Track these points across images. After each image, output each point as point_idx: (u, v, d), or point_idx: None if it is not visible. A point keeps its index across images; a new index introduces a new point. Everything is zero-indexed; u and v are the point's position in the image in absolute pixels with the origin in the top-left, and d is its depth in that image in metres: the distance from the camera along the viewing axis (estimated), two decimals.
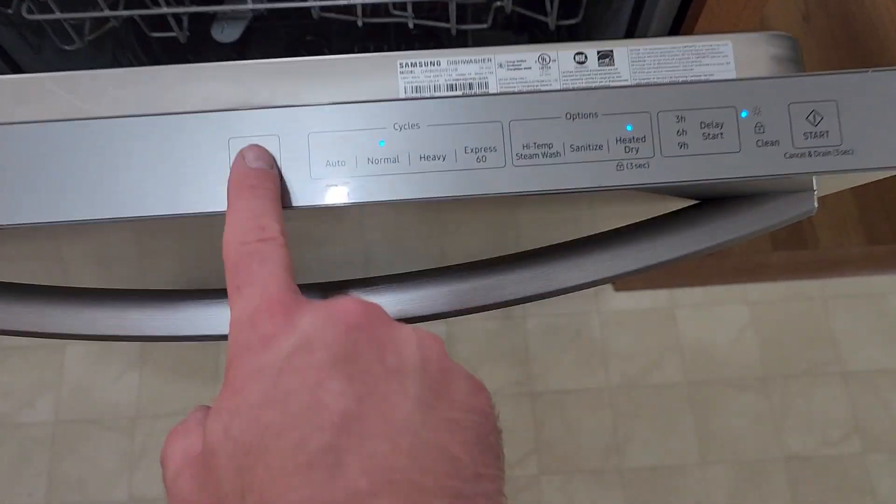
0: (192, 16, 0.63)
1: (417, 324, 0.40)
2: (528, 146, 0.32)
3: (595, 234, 0.39)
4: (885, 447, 1.04)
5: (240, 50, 0.75)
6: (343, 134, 0.31)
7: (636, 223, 0.39)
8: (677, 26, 0.60)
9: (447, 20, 0.66)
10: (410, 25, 0.64)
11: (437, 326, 1.07)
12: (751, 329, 1.10)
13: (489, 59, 0.34)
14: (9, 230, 0.31)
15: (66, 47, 0.64)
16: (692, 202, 0.39)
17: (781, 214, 0.38)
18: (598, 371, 1.07)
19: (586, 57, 0.34)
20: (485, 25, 0.66)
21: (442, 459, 0.22)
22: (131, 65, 0.83)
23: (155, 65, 0.84)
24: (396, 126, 0.31)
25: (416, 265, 0.41)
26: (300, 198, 0.31)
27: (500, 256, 0.39)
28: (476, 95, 0.32)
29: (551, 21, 0.65)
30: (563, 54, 0.34)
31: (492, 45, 0.90)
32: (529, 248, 0.39)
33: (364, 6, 0.63)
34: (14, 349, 1.06)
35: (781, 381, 1.07)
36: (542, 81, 0.34)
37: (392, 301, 0.38)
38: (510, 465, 1.02)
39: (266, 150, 0.31)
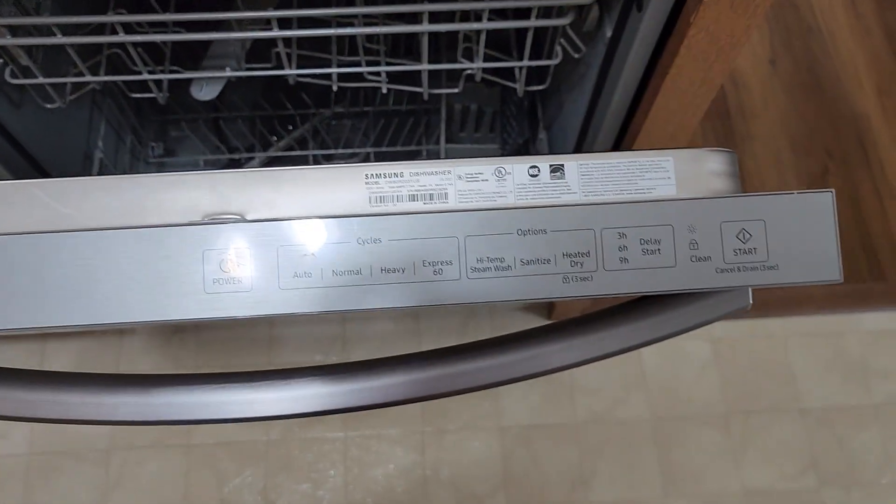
0: (171, 79, 0.65)
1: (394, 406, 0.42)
2: (481, 260, 0.34)
3: (545, 326, 0.42)
4: (839, 482, 1.08)
5: (214, 101, 0.77)
6: (309, 248, 0.34)
7: (584, 315, 0.42)
8: (641, 90, 0.64)
9: (420, 84, 0.69)
10: (384, 90, 0.67)
11: None
12: (713, 366, 1.14)
13: (449, 172, 0.36)
14: None
15: (48, 105, 0.66)
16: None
17: (719, 310, 0.40)
18: (566, 406, 1.10)
19: (539, 170, 0.37)
20: (456, 89, 0.69)
21: None
22: (111, 112, 0.85)
23: (135, 111, 0.86)
24: (360, 241, 0.34)
25: (392, 346, 0.43)
26: (268, 307, 0.33)
27: (444, 348, 0.42)
28: (435, 212, 0.34)
29: (519, 87, 0.68)
30: (517, 167, 0.37)
31: (465, 97, 0.92)
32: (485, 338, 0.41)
33: (339, 74, 0.65)
34: None
35: (742, 416, 1.11)
36: (498, 193, 0.37)
37: (370, 386, 0.40)
38: (479, 498, 1.05)
39: None
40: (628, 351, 0.41)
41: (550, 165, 0.37)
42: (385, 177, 0.37)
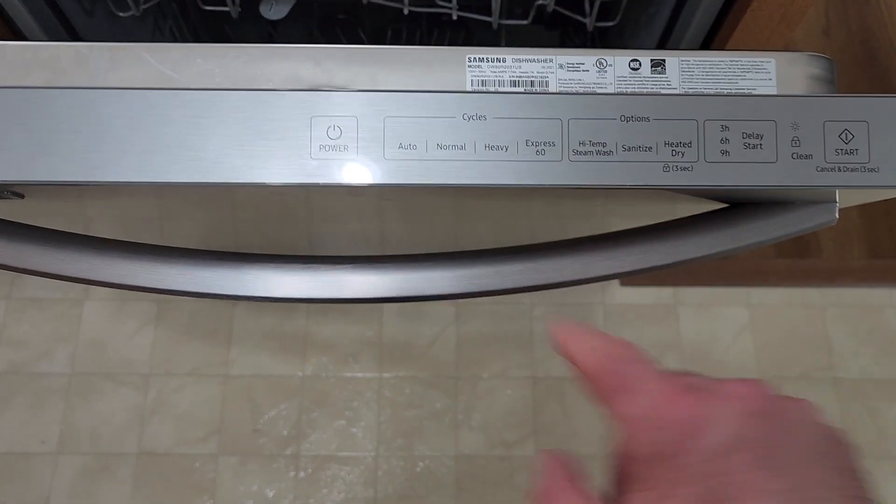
0: None
1: (440, 301, 0.42)
2: (584, 143, 0.34)
3: (627, 230, 0.42)
4: (869, 454, 1.08)
5: (274, 25, 0.77)
6: (416, 119, 0.34)
7: (667, 222, 0.42)
8: (710, 38, 0.63)
9: (488, 13, 0.69)
10: (454, 17, 0.67)
11: (447, 307, 1.10)
12: (749, 331, 1.13)
13: (550, 60, 0.37)
14: (109, 186, 0.34)
15: (121, 14, 0.67)
16: (720, 205, 0.42)
17: (804, 222, 0.41)
18: None
19: (640, 64, 0.37)
20: (525, 21, 0.69)
21: None
22: (171, 35, 0.86)
23: (194, 36, 0.86)
24: (465, 116, 0.34)
25: (431, 248, 0.44)
26: (374, 176, 0.34)
27: (535, 244, 0.42)
28: (539, 93, 0.34)
29: (590, 22, 0.67)
30: (619, 59, 0.37)
31: (525, 39, 0.92)
32: (560, 239, 0.42)
33: None
34: (33, 301, 1.09)
35: (775, 382, 1.10)
36: (598, 84, 0.37)
37: (415, 278, 0.41)
38: (509, 445, 1.06)
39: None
40: (714, 257, 0.41)
41: (652, 60, 0.37)
42: (488, 61, 0.37)
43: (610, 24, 0.71)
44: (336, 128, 0.34)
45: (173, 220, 0.65)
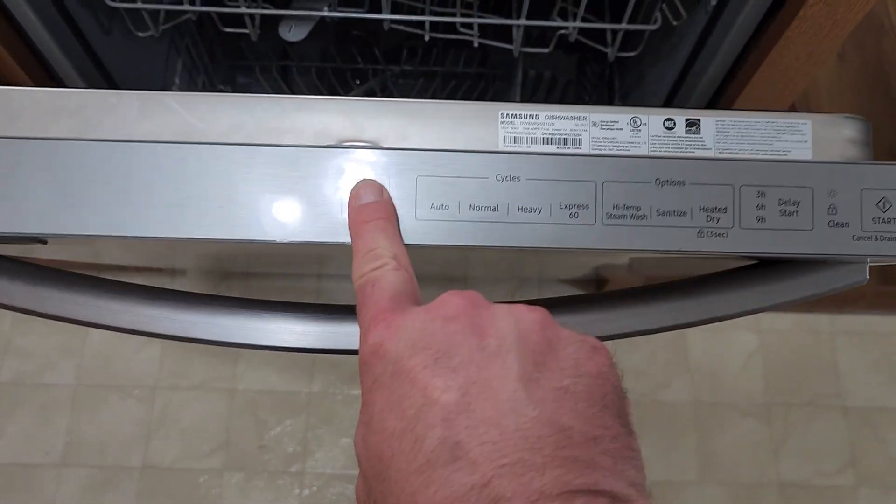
0: (264, 15, 0.65)
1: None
2: (618, 207, 0.34)
3: (657, 285, 0.41)
4: (878, 483, 1.07)
5: (289, 42, 0.77)
6: (449, 180, 0.34)
7: (697, 277, 0.42)
8: (732, 74, 0.63)
9: (509, 41, 0.68)
10: (475, 44, 0.66)
11: None
12: (758, 356, 1.13)
13: (584, 118, 0.36)
14: (134, 241, 0.33)
15: (140, 34, 0.66)
16: (751, 262, 0.42)
17: (836, 283, 0.40)
18: None
19: (675, 123, 0.36)
20: (546, 49, 0.68)
21: (551, 431, 0.23)
22: (187, 52, 0.85)
23: (209, 53, 0.86)
24: (499, 177, 0.34)
25: (440, 285, 0.43)
26: (406, 237, 0.33)
27: (574, 295, 0.42)
28: (573, 155, 0.34)
29: (611, 53, 0.67)
30: (653, 119, 0.36)
31: (540, 64, 0.91)
32: (600, 292, 0.41)
33: (432, 23, 0.65)
34: None
35: (784, 409, 1.10)
36: (632, 143, 0.36)
37: None
38: None
39: (373, 183, 0.33)
40: (738, 316, 0.40)
41: (687, 119, 0.37)
42: (520, 117, 0.36)
43: (631, 54, 0.70)
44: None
45: (187, 255, 0.64)
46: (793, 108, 1.26)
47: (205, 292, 0.41)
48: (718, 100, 0.67)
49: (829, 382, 1.13)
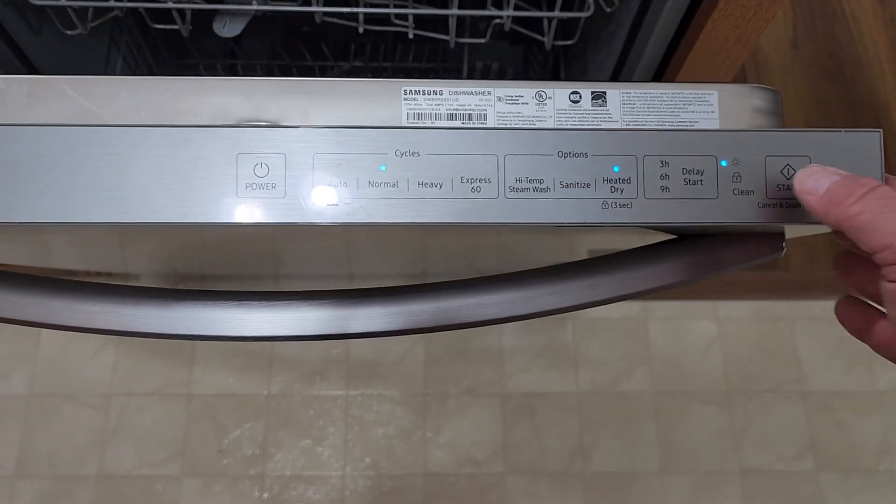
0: (195, 10, 0.64)
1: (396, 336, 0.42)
2: (520, 180, 0.34)
3: (575, 262, 0.41)
4: (837, 466, 1.08)
5: (235, 39, 0.76)
6: (347, 156, 0.33)
7: (614, 253, 0.41)
8: (668, 58, 0.63)
9: (446, 32, 0.68)
10: (410, 35, 0.66)
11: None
12: (718, 344, 1.13)
13: (489, 92, 0.36)
14: (14, 227, 0.32)
15: (68, 32, 0.65)
16: (669, 236, 0.42)
17: (753, 256, 0.40)
18: (569, 376, 1.10)
19: (580, 96, 0.36)
20: (482, 40, 0.68)
21: None
22: (129, 50, 0.84)
23: (152, 52, 0.85)
24: (398, 152, 0.33)
25: (397, 281, 0.43)
26: (301, 215, 0.33)
27: (482, 277, 0.41)
28: (475, 128, 0.33)
29: (547, 41, 0.67)
30: (558, 92, 0.36)
31: (486, 55, 0.91)
32: (508, 272, 0.41)
33: (366, 15, 0.64)
34: None
35: (744, 396, 1.11)
36: (538, 117, 0.36)
37: (375, 313, 0.40)
38: (478, 463, 1.04)
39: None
40: (661, 290, 0.40)
41: (592, 92, 0.36)
42: (424, 94, 0.36)
43: (569, 42, 0.70)
44: (263, 165, 0.33)
45: (129, 247, 0.63)
46: None
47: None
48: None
49: (789, 369, 1.13)
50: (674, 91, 0.36)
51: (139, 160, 0.32)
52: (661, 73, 0.66)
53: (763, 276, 1.18)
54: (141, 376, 1.06)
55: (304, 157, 0.33)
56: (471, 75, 0.91)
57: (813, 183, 0.31)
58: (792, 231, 0.40)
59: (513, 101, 0.36)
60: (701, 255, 0.39)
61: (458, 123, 0.36)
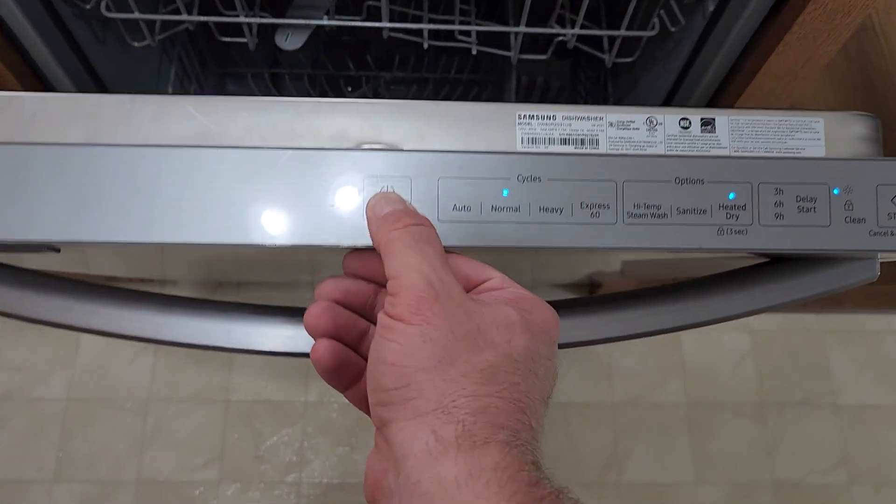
0: (261, 24, 0.65)
1: None
2: (638, 206, 0.34)
3: (666, 286, 0.42)
4: (869, 480, 1.08)
5: (280, 49, 0.77)
6: (470, 181, 0.34)
7: (708, 276, 0.42)
8: (729, 79, 0.63)
9: (505, 47, 0.68)
10: (474, 52, 0.66)
11: None
12: (751, 357, 1.14)
13: (601, 118, 0.36)
14: (154, 247, 0.33)
15: (136, 44, 0.66)
16: (757, 260, 0.42)
17: (847, 279, 0.40)
18: (603, 387, 1.10)
19: (690, 122, 0.37)
20: (544, 56, 0.69)
21: None
22: (179, 60, 0.85)
23: (200, 61, 0.85)
24: (520, 178, 0.34)
25: None
26: None
27: (586, 297, 0.42)
28: (594, 154, 0.34)
29: (608, 59, 0.67)
30: (668, 118, 0.37)
31: (533, 69, 0.91)
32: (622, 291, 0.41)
33: (431, 31, 0.65)
34: (31, 325, 1.07)
35: (777, 409, 1.11)
36: (649, 142, 0.36)
37: None
38: None
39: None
40: (757, 313, 0.40)
41: (702, 118, 0.37)
42: (538, 118, 0.36)
43: (628, 60, 0.71)
44: (390, 188, 0.33)
45: (175, 257, 0.63)
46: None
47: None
48: (715, 105, 0.67)
49: (821, 381, 1.14)
50: (781, 118, 0.37)
51: (269, 181, 0.33)
52: (721, 94, 0.66)
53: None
54: (179, 382, 1.06)
55: (430, 180, 0.33)
56: (517, 88, 0.91)
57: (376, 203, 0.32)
58: (887, 256, 0.41)
59: (624, 126, 0.36)
60: (806, 279, 0.39)
61: (570, 148, 0.36)
